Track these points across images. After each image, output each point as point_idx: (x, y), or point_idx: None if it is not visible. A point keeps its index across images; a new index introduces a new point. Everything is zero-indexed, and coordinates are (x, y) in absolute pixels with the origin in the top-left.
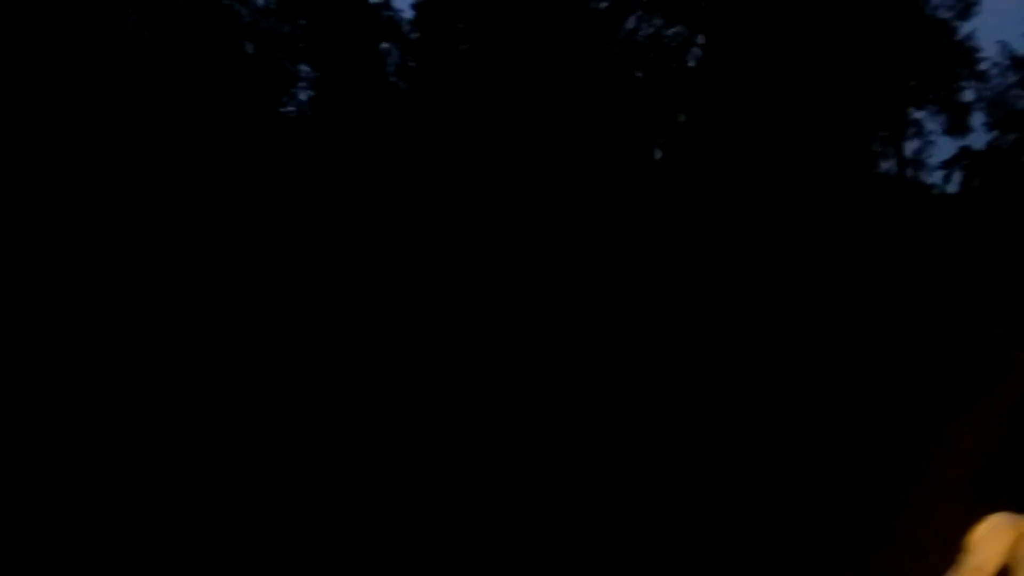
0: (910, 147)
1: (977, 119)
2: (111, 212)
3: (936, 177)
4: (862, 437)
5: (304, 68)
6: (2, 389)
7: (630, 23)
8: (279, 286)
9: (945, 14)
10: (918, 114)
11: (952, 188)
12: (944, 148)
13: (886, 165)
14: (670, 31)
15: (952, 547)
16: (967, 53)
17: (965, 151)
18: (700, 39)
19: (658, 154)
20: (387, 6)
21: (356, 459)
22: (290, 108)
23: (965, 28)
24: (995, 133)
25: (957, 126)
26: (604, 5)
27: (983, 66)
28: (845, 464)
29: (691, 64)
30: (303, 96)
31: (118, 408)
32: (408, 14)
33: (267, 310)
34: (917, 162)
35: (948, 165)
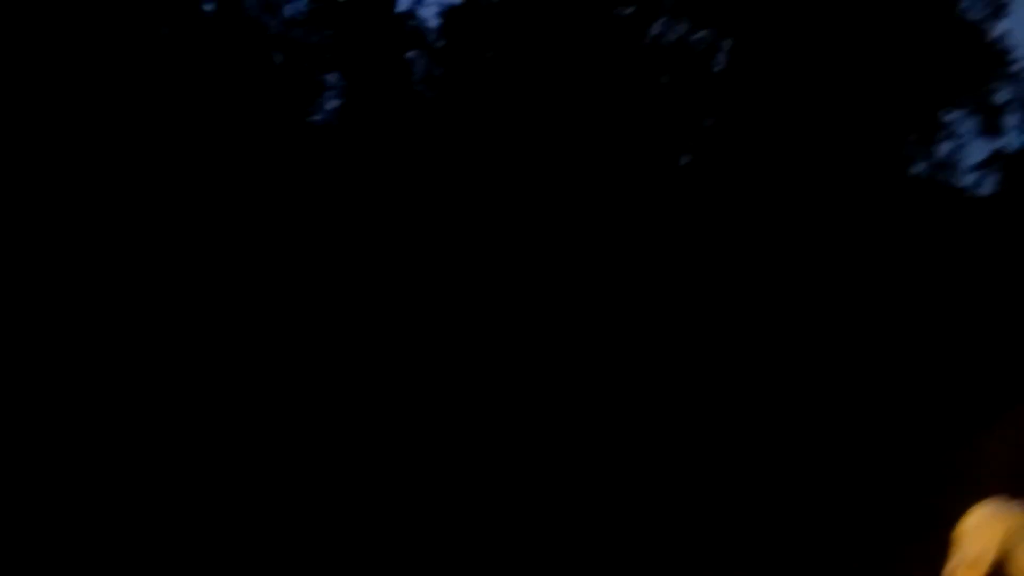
0: (942, 150)
1: (1010, 121)
2: (144, 219)
3: (969, 180)
4: (894, 442)
5: (331, 78)
6: (2, 389)
7: (655, 29)
8: (307, 292)
9: (977, 14)
10: (950, 116)
11: (985, 191)
12: (977, 150)
13: (917, 168)
14: (696, 36)
15: None
16: (1000, 54)
17: (998, 153)
18: (727, 44)
19: (684, 159)
20: (413, 15)
21: (356, 459)
22: (317, 117)
23: (998, 28)
24: None
25: (990, 128)
26: (629, 11)
27: (1016, 67)
28: (876, 469)
29: (717, 69)
30: (330, 106)
31: (127, 406)
32: (434, 23)
33: (291, 315)
34: (949, 165)
35: (981, 168)
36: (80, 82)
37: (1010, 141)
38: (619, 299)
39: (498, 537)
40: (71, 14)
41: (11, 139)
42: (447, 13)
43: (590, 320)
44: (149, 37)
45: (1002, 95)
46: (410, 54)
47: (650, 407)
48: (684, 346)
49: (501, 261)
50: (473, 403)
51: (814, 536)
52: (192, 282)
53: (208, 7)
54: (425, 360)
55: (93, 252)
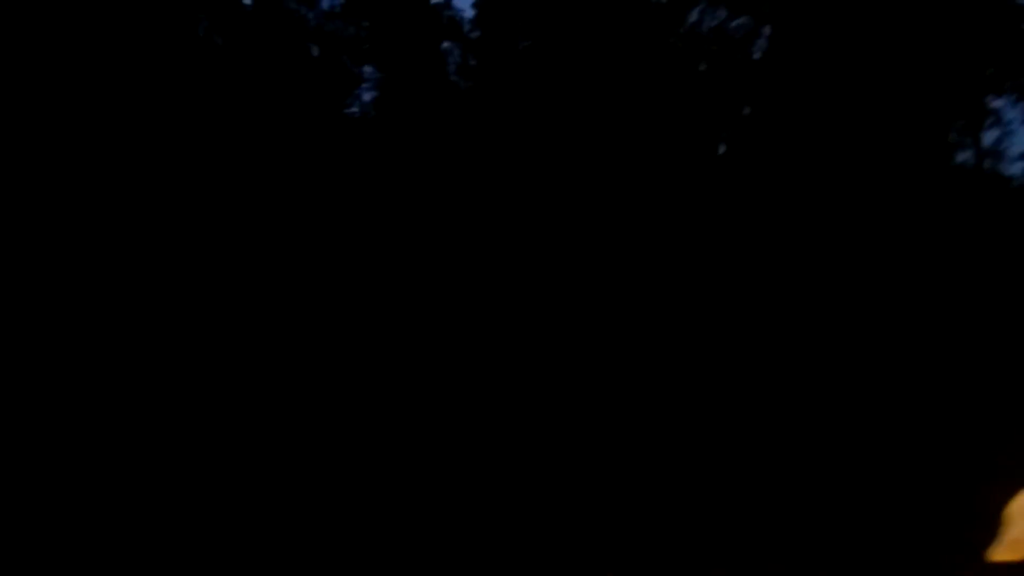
0: (988, 137)
1: None
2: (183, 206)
3: (1016, 168)
4: (939, 434)
5: (368, 69)
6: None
7: (693, 16)
8: (342, 281)
9: None
10: (996, 103)
11: None
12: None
13: (963, 156)
14: (734, 23)
15: None
16: None
17: None
18: (766, 30)
19: (722, 148)
20: (448, 6)
21: (356, 459)
22: (354, 109)
23: None
24: None
25: None
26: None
27: None
28: (922, 462)
29: (756, 56)
30: (367, 97)
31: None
32: (469, 14)
33: (325, 307)
34: (996, 152)
35: None
36: (120, 73)
37: None
38: (650, 284)
39: (497, 536)
40: (109, 6)
41: (46, 131)
42: (481, 4)
43: (619, 309)
44: (189, 30)
45: None
46: (445, 45)
47: (684, 398)
48: (716, 335)
49: (534, 251)
50: (484, 399)
51: (861, 525)
52: (224, 274)
53: (247, 0)
54: (452, 350)
55: (122, 244)
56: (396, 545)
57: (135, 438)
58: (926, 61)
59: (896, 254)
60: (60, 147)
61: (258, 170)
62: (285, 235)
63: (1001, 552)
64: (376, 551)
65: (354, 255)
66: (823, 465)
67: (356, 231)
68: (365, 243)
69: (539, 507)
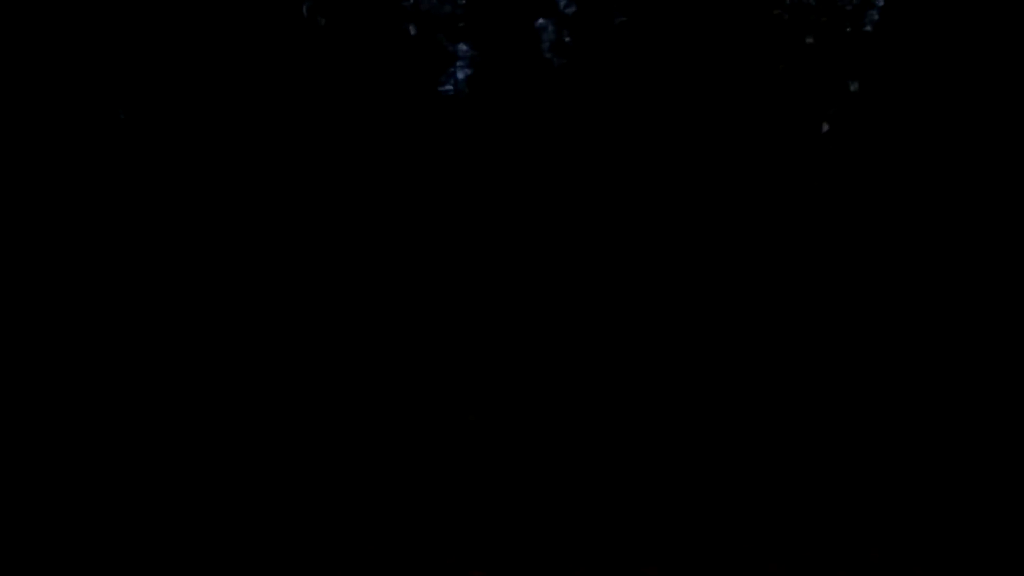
0: None
1: None
2: (288, 181)
3: None
4: (988, 427)
5: (463, 47)
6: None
7: None
8: (437, 256)
9: None
10: None
11: None
12: None
13: None
14: None
15: None
16: None
17: None
18: (880, 0)
19: (825, 127)
20: None
21: (357, 458)
22: (448, 87)
23: None
24: None
25: None
26: None
27: None
28: (963, 451)
29: (868, 29)
30: (461, 75)
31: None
32: None
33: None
34: None
35: None
36: (238, 55)
37: None
38: (749, 272)
39: (496, 535)
40: None
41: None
42: None
43: (725, 295)
44: (296, 12)
45: None
46: (540, 21)
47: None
48: (825, 321)
49: (635, 227)
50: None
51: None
52: (318, 250)
53: None
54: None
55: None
56: (396, 544)
57: (135, 438)
58: None
59: (1017, 246)
60: (172, 123)
61: (356, 147)
62: (382, 212)
63: None
64: (376, 550)
65: (448, 232)
66: (824, 465)
67: (451, 208)
68: (459, 220)
69: (539, 506)
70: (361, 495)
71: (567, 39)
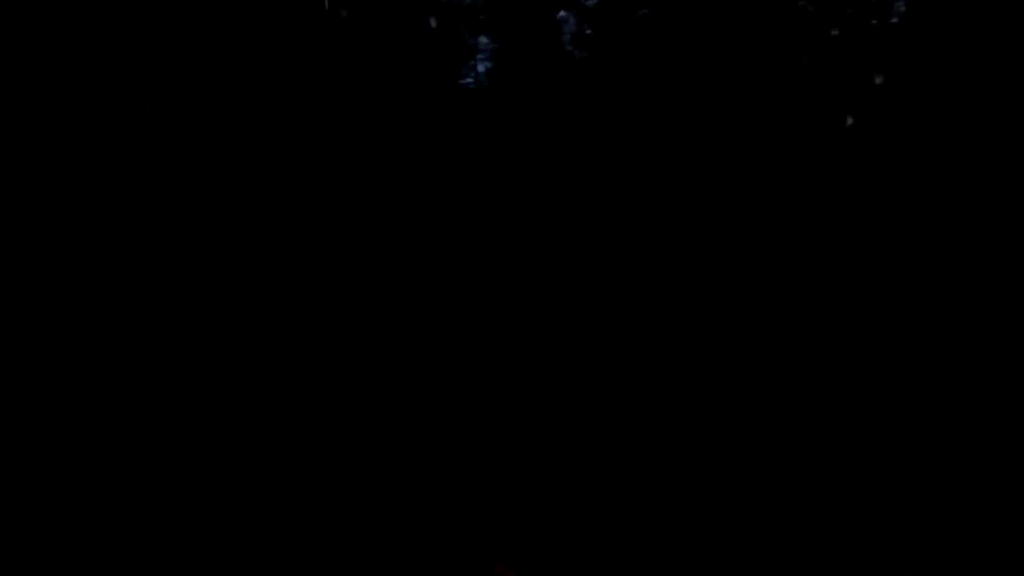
0: None
1: None
2: (309, 171)
3: None
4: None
5: (483, 40)
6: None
7: None
8: (449, 251)
9: None
10: None
11: None
12: None
13: None
14: None
15: None
16: None
17: None
18: None
19: (850, 120)
20: None
21: (357, 458)
22: (468, 80)
23: None
24: None
25: None
26: None
27: None
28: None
29: (894, 21)
30: (481, 68)
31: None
32: None
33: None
34: None
35: None
36: (260, 48)
37: None
38: (772, 270)
39: (495, 534)
40: None
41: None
42: None
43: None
44: (318, 5)
45: None
46: (561, 14)
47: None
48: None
49: (657, 220)
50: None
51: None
52: (335, 242)
53: None
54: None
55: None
56: (395, 544)
57: (135, 437)
58: None
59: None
60: (190, 116)
61: (377, 140)
62: (401, 206)
63: None
64: (375, 550)
65: (468, 226)
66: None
67: (471, 201)
68: (479, 214)
69: (539, 506)
70: (375, 491)
71: (588, 32)
